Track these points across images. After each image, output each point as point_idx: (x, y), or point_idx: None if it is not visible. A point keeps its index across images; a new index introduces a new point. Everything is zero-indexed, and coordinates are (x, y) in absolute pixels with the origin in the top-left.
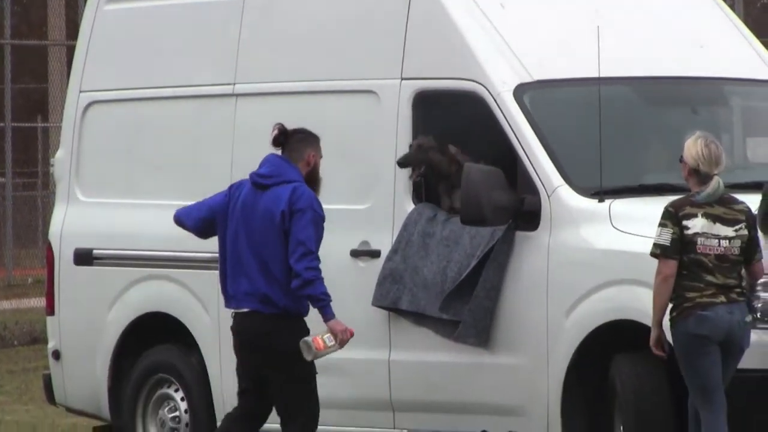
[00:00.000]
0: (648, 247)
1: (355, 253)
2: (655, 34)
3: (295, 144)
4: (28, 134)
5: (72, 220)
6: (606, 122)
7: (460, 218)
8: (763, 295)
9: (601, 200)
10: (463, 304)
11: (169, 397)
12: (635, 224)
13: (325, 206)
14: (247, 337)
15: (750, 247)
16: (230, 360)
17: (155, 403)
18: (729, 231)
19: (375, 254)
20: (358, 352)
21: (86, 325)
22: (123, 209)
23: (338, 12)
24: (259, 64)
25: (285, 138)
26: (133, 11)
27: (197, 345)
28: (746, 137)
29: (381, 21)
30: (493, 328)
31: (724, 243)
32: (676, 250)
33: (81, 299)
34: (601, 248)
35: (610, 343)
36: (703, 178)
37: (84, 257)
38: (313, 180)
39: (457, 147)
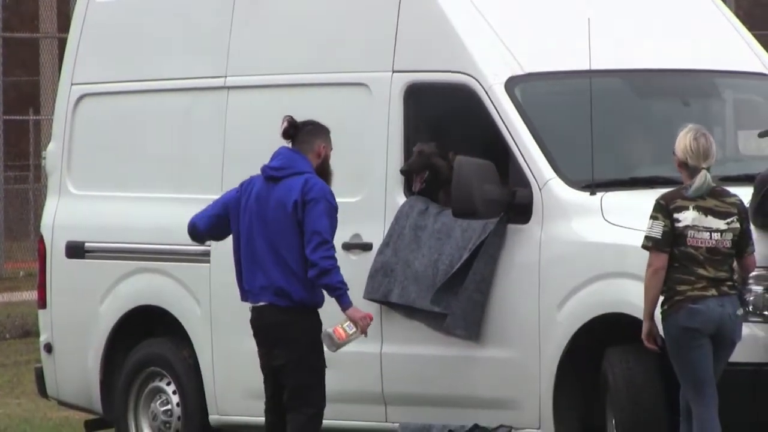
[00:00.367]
0: (640, 240)
1: (347, 246)
2: (647, 26)
3: (304, 136)
4: (19, 127)
5: (64, 213)
6: (597, 115)
7: (452, 211)
8: (754, 288)
9: (592, 193)
10: (454, 297)
11: (161, 391)
12: (627, 217)
13: None
14: (264, 331)
15: (742, 239)
16: (222, 353)
17: (147, 396)
18: (720, 224)
19: (367, 247)
20: (350, 345)
21: (78, 319)
22: (115, 202)
23: (330, 4)
24: (250, 56)
25: (295, 130)
26: (125, 4)
27: (189, 338)
28: (738, 130)
29: (372, 13)
30: (485, 321)
31: (716, 236)
32: (668, 243)
33: (73, 292)
34: (592, 241)
35: (602, 337)
36: (692, 172)
37: (76, 250)
38: (324, 172)
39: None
